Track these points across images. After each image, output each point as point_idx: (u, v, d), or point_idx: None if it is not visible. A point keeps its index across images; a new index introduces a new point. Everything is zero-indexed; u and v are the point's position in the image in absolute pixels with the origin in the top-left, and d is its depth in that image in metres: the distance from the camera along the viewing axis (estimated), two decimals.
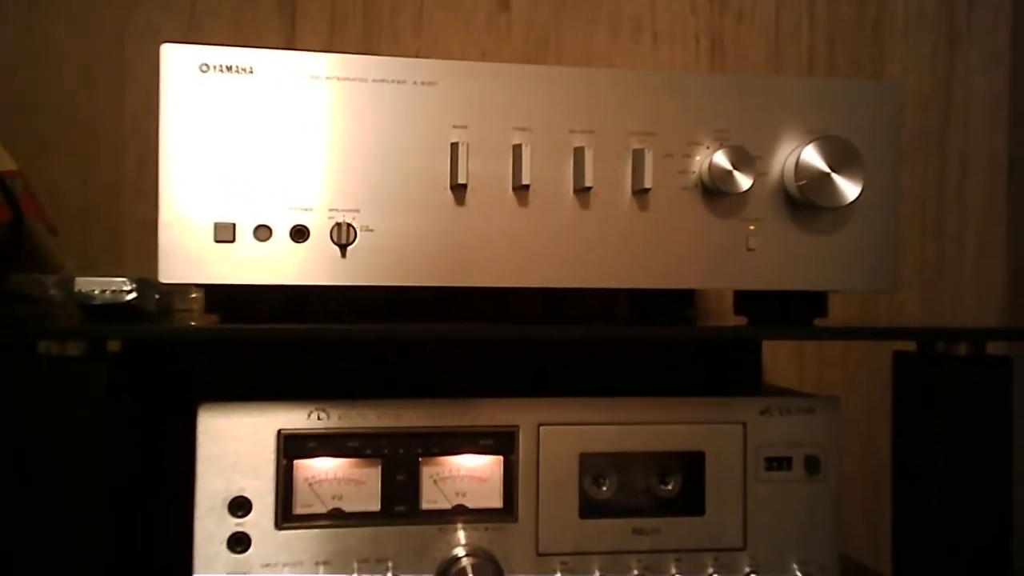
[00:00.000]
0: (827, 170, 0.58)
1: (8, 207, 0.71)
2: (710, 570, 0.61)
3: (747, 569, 0.62)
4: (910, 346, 0.64)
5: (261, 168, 0.54)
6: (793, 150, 0.59)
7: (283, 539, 0.57)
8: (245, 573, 0.57)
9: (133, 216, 0.85)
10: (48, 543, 0.51)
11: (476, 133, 0.56)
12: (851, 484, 0.95)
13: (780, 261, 0.60)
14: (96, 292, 0.55)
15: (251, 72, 0.55)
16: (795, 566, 0.62)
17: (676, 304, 0.79)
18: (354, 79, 0.56)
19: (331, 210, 0.55)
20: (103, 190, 0.85)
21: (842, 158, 0.58)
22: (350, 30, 0.90)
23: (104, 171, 0.85)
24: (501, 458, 0.60)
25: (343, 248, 0.55)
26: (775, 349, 0.95)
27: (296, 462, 0.58)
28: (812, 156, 0.58)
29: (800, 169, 0.58)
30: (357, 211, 0.55)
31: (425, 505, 0.59)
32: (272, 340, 0.80)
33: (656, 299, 0.77)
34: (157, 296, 0.59)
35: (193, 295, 0.71)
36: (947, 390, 0.61)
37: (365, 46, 0.90)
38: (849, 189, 0.58)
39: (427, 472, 0.59)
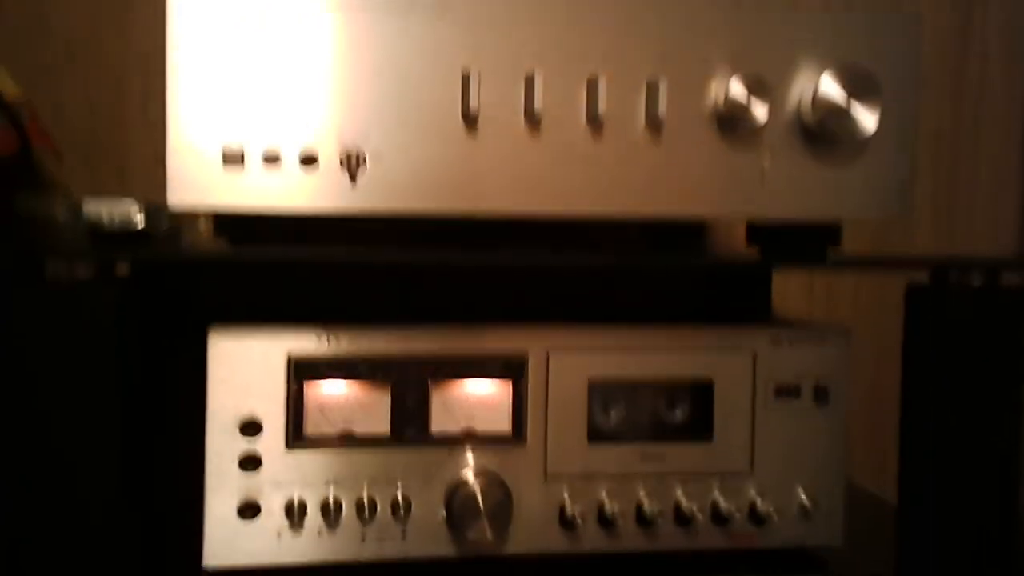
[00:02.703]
0: (845, 100, 0.57)
1: (16, 134, 0.71)
2: (716, 493, 0.62)
3: (752, 492, 0.62)
4: (923, 280, 0.63)
5: (270, 94, 0.54)
6: (810, 80, 0.58)
7: (293, 460, 0.58)
8: (256, 491, 0.57)
9: (138, 146, 0.85)
10: (61, 468, 0.52)
11: (487, 61, 0.55)
12: (857, 419, 0.95)
13: (794, 191, 0.59)
14: (104, 216, 0.55)
15: None
16: (800, 490, 0.63)
17: (687, 237, 0.79)
18: (364, 5, 0.55)
19: (341, 137, 0.55)
20: (109, 119, 0.85)
21: (860, 88, 0.57)
22: None
23: (109, 100, 0.85)
24: (510, 383, 0.61)
25: (352, 175, 0.55)
26: (785, 284, 0.95)
27: (306, 385, 0.58)
28: (830, 85, 0.57)
29: (817, 98, 0.57)
30: (367, 138, 0.55)
31: (434, 429, 0.60)
32: (282, 265, 0.80)
33: (667, 232, 0.77)
34: (166, 221, 0.59)
35: (202, 222, 0.70)
36: (960, 321, 0.60)
37: None
38: (867, 119, 0.57)
39: (436, 396, 0.60)
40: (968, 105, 1.00)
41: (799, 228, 0.62)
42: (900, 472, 0.64)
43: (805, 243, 0.63)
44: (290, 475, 0.58)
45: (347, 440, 0.59)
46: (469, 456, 0.60)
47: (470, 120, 0.55)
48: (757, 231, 0.68)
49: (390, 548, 0.59)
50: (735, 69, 0.58)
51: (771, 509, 0.62)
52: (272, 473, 0.58)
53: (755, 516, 0.62)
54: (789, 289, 0.96)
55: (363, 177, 0.55)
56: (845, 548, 0.64)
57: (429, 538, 0.59)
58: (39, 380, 0.52)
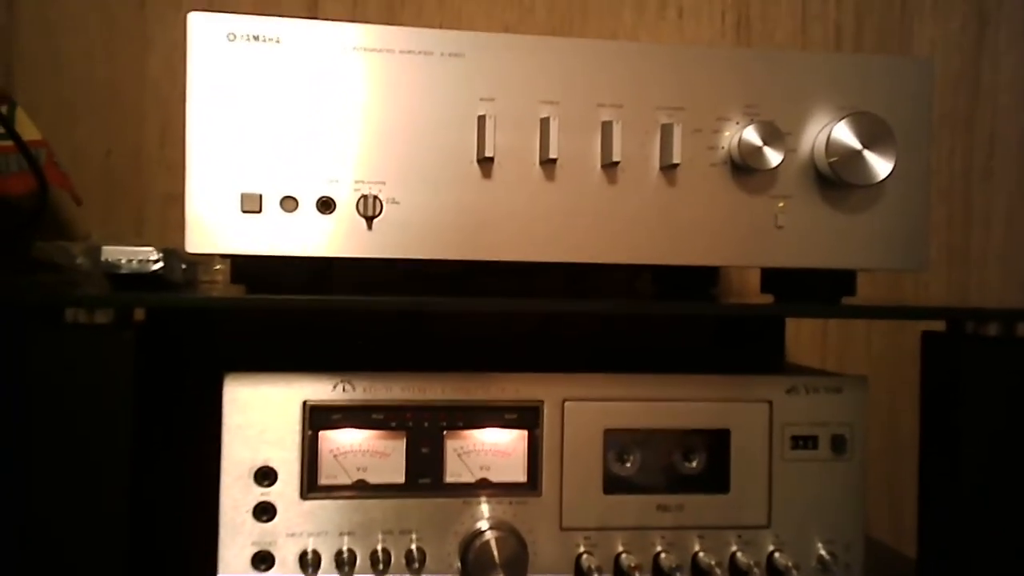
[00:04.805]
0: (859, 147, 0.57)
1: (33, 176, 0.71)
2: (734, 547, 0.61)
3: (771, 547, 0.62)
4: (938, 327, 0.63)
5: (288, 139, 0.54)
6: (824, 126, 0.59)
7: (308, 509, 0.57)
8: (271, 542, 0.57)
9: (155, 188, 0.85)
10: (74, 511, 0.51)
11: (503, 106, 0.56)
12: (872, 467, 0.94)
13: (809, 239, 0.59)
14: (123, 261, 0.55)
15: (278, 42, 0.54)
16: (819, 545, 0.62)
17: (699, 282, 0.79)
18: (381, 50, 0.55)
19: (357, 182, 0.55)
20: (126, 161, 0.85)
21: (874, 135, 0.58)
22: (373, 2, 0.90)
23: (126, 142, 0.85)
24: (525, 433, 0.60)
25: (369, 220, 0.55)
26: (797, 331, 0.95)
27: (321, 433, 0.58)
28: (844, 133, 0.58)
29: (831, 145, 0.58)
30: (383, 183, 0.55)
31: (449, 478, 0.59)
32: (297, 311, 0.80)
33: (679, 277, 0.77)
34: (183, 267, 0.59)
35: (218, 267, 0.71)
36: (976, 371, 0.60)
37: (388, 19, 0.89)
38: (881, 166, 0.58)
39: (451, 446, 0.59)
40: (979, 155, 1.00)
41: (813, 275, 0.62)
42: (919, 524, 0.63)
43: (820, 290, 0.63)
44: (304, 525, 0.57)
45: (361, 489, 0.58)
46: (484, 506, 0.59)
47: (485, 165, 0.56)
48: (771, 278, 0.68)
49: None
50: (749, 114, 0.58)
51: (789, 563, 0.61)
52: (286, 523, 0.57)
53: (773, 570, 0.61)
54: (802, 335, 0.96)
55: (379, 222, 0.55)
56: None
57: None
58: (56, 423, 0.51)
